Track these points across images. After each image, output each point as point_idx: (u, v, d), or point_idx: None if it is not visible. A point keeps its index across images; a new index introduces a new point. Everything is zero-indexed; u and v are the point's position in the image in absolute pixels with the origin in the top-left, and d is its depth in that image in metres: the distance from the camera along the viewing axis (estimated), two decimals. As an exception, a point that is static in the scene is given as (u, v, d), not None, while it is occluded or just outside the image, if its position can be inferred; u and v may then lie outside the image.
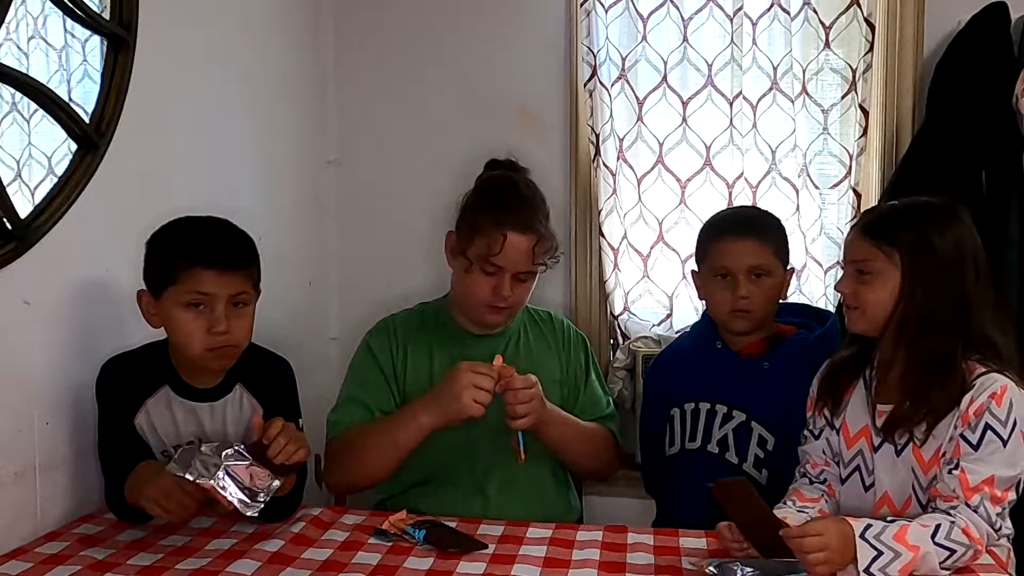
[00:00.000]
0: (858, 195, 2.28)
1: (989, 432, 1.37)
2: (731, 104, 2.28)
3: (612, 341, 2.45)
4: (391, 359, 1.85)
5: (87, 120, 1.59)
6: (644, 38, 2.31)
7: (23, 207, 1.47)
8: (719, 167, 2.32)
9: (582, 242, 2.44)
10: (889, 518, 1.35)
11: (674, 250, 2.36)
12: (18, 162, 1.51)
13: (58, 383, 1.55)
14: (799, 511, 1.51)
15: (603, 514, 2.19)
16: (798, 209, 2.29)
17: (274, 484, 1.38)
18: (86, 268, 1.61)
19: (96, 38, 1.63)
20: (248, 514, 1.36)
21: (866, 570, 1.26)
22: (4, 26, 1.41)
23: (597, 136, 2.34)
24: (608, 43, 2.32)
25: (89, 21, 1.59)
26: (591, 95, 2.35)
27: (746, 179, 2.30)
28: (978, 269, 1.46)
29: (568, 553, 1.46)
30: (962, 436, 1.39)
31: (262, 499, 1.37)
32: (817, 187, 2.31)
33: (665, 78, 2.32)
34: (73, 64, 1.62)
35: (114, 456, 1.52)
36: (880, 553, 1.27)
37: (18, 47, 1.50)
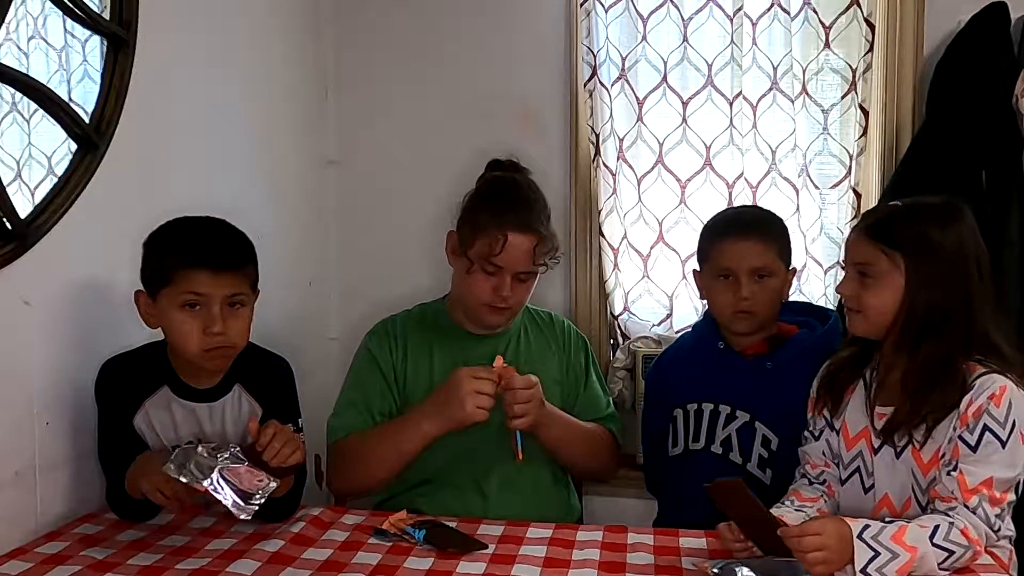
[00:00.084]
0: (858, 195, 2.28)
1: (987, 433, 1.37)
2: (731, 104, 2.28)
3: (612, 341, 2.45)
4: (391, 360, 1.85)
5: (87, 120, 1.59)
6: (644, 38, 2.31)
7: (23, 207, 1.47)
8: (719, 167, 2.31)
9: (582, 242, 2.44)
10: (888, 519, 1.35)
11: (674, 250, 2.36)
12: (18, 162, 1.51)
13: (58, 383, 1.55)
14: (797, 510, 1.51)
15: (603, 514, 2.19)
16: (798, 209, 2.28)
17: (271, 486, 1.38)
18: (86, 268, 1.61)
19: (96, 38, 1.63)
20: (242, 516, 1.35)
21: (863, 570, 1.26)
22: (4, 26, 1.41)
23: (597, 136, 2.34)
24: (608, 43, 2.32)
25: (89, 21, 1.59)
26: (591, 95, 2.35)
27: (746, 179, 2.30)
28: (980, 269, 1.45)
29: (568, 553, 1.46)
30: (960, 437, 1.39)
31: (257, 501, 1.37)
32: (817, 187, 2.31)
33: (665, 78, 2.31)
34: (73, 64, 1.62)
35: (114, 456, 1.52)
36: (877, 553, 1.27)
37: (18, 47, 1.50)
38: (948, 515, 1.34)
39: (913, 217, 1.47)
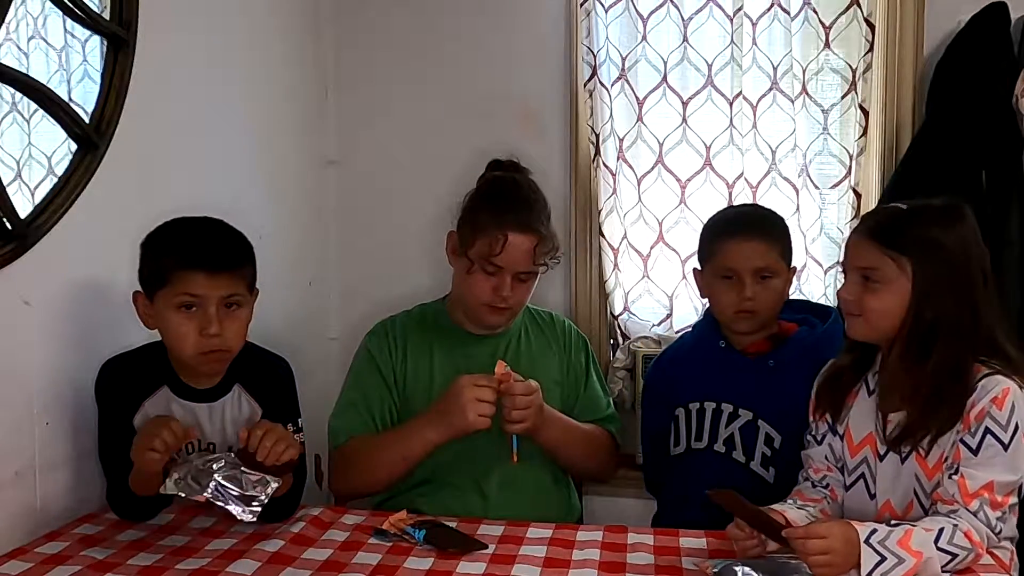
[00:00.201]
0: (858, 195, 2.28)
1: (989, 436, 1.36)
2: (731, 104, 2.28)
3: (612, 341, 2.45)
4: (390, 362, 1.86)
5: (87, 120, 1.59)
6: (644, 38, 2.31)
7: (23, 207, 1.47)
8: (719, 167, 2.31)
9: (582, 242, 2.44)
10: (893, 522, 1.34)
11: (674, 250, 2.36)
12: (18, 162, 1.51)
13: (58, 383, 1.55)
14: (800, 508, 1.51)
15: (603, 514, 2.19)
16: (798, 209, 2.28)
17: (272, 486, 1.38)
18: (86, 268, 1.61)
19: (96, 38, 1.63)
20: (246, 519, 1.35)
21: (868, 575, 1.26)
22: (4, 26, 1.41)
23: (597, 136, 2.34)
24: (608, 43, 2.32)
25: (89, 21, 1.59)
26: (591, 95, 2.35)
27: (746, 179, 2.30)
28: (984, 271, 1.44)
29: (568, 553, 1.46)
30: (962, 440, 1.38)
31: (258, 504, 1.37)
32: (817, 187, 2.30)
33: (665, 78, 2.31)
34: (73, 64, 1.62)
35: (114, 456, 1.52)
36: (884, 559, 1.26)
37: (18, 47, 1.50)
38: (951, 517, 1.34)
39: (918, 220, 1.45)
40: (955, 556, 1.30)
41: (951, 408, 1.39)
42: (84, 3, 1.57)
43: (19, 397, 1.48)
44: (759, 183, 2.30)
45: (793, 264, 1.85)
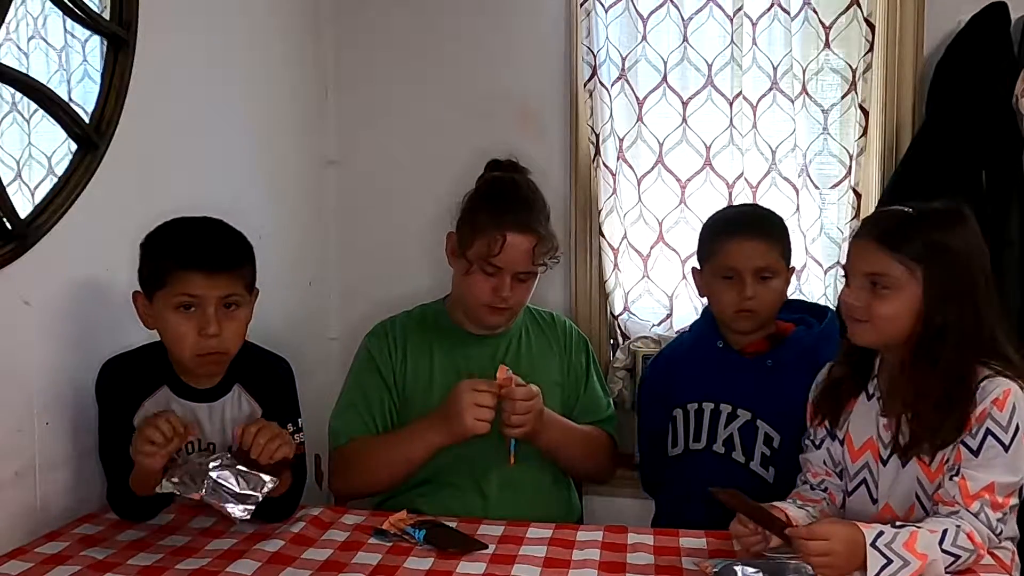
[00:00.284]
0: (858, 195, 2.28)
1: (990, 437, 1.36)
2: (731, 104, 2.28)
3: (612, 341, 2.45)
4: (390, 363, 1.86)
5: (87, 120, 1.59)
6: (644, 38, 2.31)
7: (23, 207, 1.47)
8: (719, 167, 2.31)
9: (582, 242, 2.44)
10: (897, 523, 1.33)
11: (674, 250, 2.36)
12: (18, 162, 1.51)
13: (58, 383, 1.55)
14: (800, 507, 1.51)
15: (603, 514, 2.19)
16: (798, 209, 2.28)
17: (268, 485, 1.38)
18: (86, 268, 1.61)
19: (96, 38, 1.63)
20: (241, 516, 1.35)
21: None
22: (4, 26, 1.41)
23: (597, 136, 2.34)
24: (608, 43, 2.32)
25: (89, 21, 1.59)
26: (591, 95, 2.35)
27: (746, 179, 2.30)
28: (985, 272, 1.43)
29: (568, 553, 1.46)
30: (963, 442, 1.38)
31: (254, 501, 1.37)
32: (817, 187, 2.30)
33: (665, 78, 2.31)
34: (73, 64, 1.62)
35: (114, 456, 1.52)
36: (890, 561, 1.26)
37: (18, 47, 1.50)
38: (953, 519, 1.34)
39: (926, 224, 1.42)
40: (958, 557, 1.30)
41: (961, 414, 1.37)
42: (84, 3, 1.57)
43: (19, 397, 1.48)
44: (759, 183, 2.30)
45: (792, 264, 1.85)
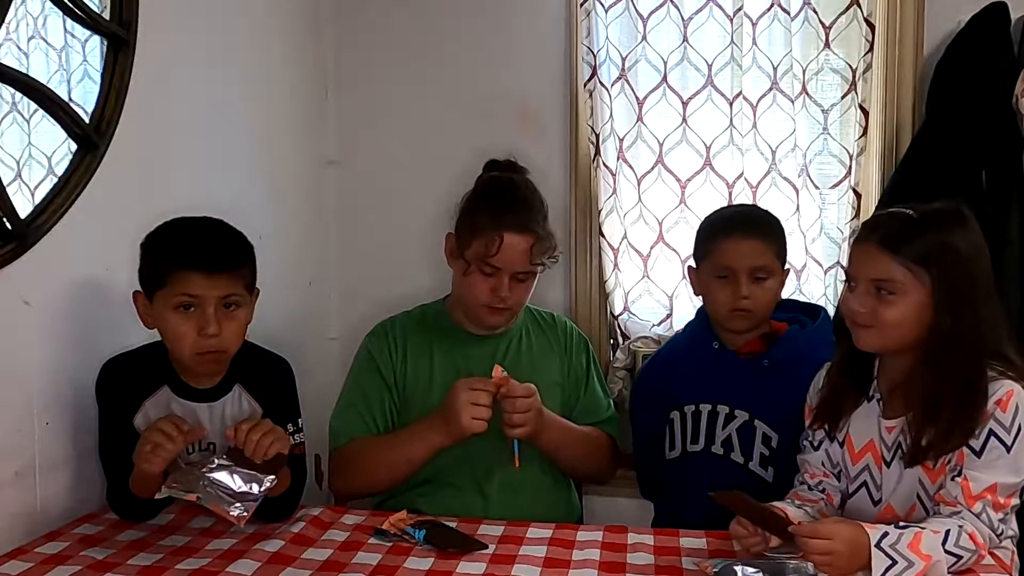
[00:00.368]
0: (858, 195, 2.28)
1: (992, 438, 1.35)
2: (731, 104, 2.28)
3: (612, 341, 2.44)
4: (390, 363, 1.86)
5: (87, 120, 1.59)
6: (644, 38, 2.31)
7: (23, 207, 1.47)
8: (719, 167, 2.31)
9: (582, 242, 2.44)
10: (901, 524, 1.32)
11: (674, 250, 2.36)
12: (18, 162, 1.51)
13: (58, 383, 1.55)
14: (798, 507, 1.51)
15: (603, 514, 2.19)
16: (798, 209, 2.28)
17: (265, 484, 1.38)
18: (86, 268, 1.61)
19: (96, 38, 1.63)
20: (237, 513, 1.35)
21: None
22: (4, 26, 1.41)
23: (597, 136, 2.34)
24: (608, 43, 2.32)
25: (89, 21, 1.59)
26: (591, 95, 2.35)
27: (746, 179, 2.30)
28: (987, 274, 1.42)
29: (568, 553, 1.46)
30: (966, 443, 1.37)
31: (252, 499, 1.36)
32: (817, 187, 2.30)
33: (665, 78, 2.31)
34: (73, 64, 1.62)
35: (115, 456, 1.52)
36: (894, 562, 1.26)
37: (18, 47, 1.50)
38: (955, 519, 1.33)
39: (930, 227, 1.40)
40: (960, 558, 1.30)
41: (974, 418, 1.36)
42: (84, 3, 1.57)
43: (19, 397, 1.48)
44: (759, 183, 2.30)
45: (787, 265, 1.84)
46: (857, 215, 2.27)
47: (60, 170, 1.56)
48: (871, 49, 2.23)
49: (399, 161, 2.52)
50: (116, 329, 1.61)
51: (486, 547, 1.47)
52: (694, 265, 1.87)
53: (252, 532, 1.49)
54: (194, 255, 1.45)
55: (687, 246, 2.29)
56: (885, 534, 1.28)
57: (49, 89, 1.52)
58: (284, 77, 2.31)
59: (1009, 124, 2.06)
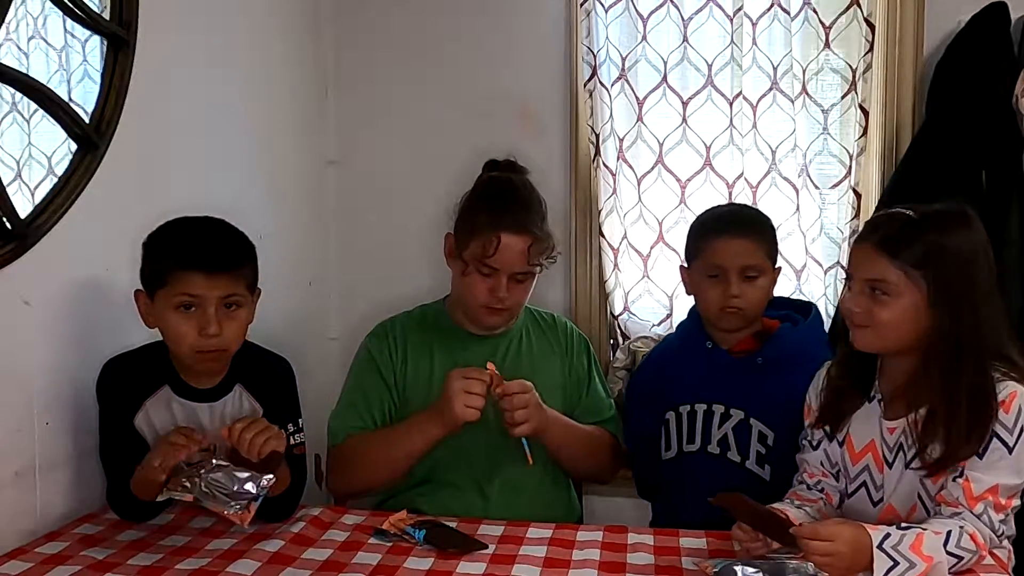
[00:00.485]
0: (858, 195, 2.28)
1: (994, 439, 1.35)
2: (731, 104, 2.28)
3: (612, 341, 2.45)
4: (391, 363, 1.86)
5: (87, 120, 1.59)
6: (644, 38, 2.31)
7: (23, 207, 1.47)
8: (719, 167, 2.31)
9: (582, 242, 2.44)
10: (903, 525, 1.32)
11: (674, 250, 2.35)
12: (18, 162, 1.51)
13: (58, 383, 1.55)
14: (798, 507, 1.51)
15: (603, 514, 2.19)
16: (798, 209, 2.28)
17: (262, 483, 1.38)
18: (86, 268, 1.61)
19: (96, 38, 1.63)
20: (234, 511, 1.35)
21: None
22: (4, 26, 1.41)
23: (597, 136, 2.34)
24: (608, 43, 2.32)
25: (89, 21, 1.59)
26: (591, 95, 2.35)
27: (746, 179, 2.30)
28: (990, 276, 1.41)
29: (568, 553, 1.46)
30: None
31: (248, 498, 1.37)
32: (817, 187, 2.31)
33: (665, 78, 2.31)
34: (73, 64, 1.62)
35: (115, 456, 1.52)
36: (896, 563, 1.25)
37: (18, 47, 1.50)
38: (956, 519, 1.33)
39: (927, 229, 1.40)
40: (961, 559, 1.30)
41: (985, 427, 1.36)
42: (84, 3, 1.57)
43: (19, 397, 1.48)
44: (759, 183, 2.30)
45: (778, 264, 1.84)
46: (857, 215, 2.27)
47: (60, 170, 1.56)
48: (871, 49, 2.24)
49: (399, 161, 2.52)
50: (116, 329, 1.61)
51: (486, 547, 1.47)
52: (685, 264, 1.87)
53: (252, 532, 1.49)
54: (195, 255, 1.45)
55: (687, 246, 2.30)
56: (887, 535, 1.28)
57: (49, 89, 1.52)
58: (284, 77, 2.31)
59: (1009, 124, 2.06)
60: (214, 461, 1.39)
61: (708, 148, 2.32)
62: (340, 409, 1.85)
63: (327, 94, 2.52)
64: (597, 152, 2.35)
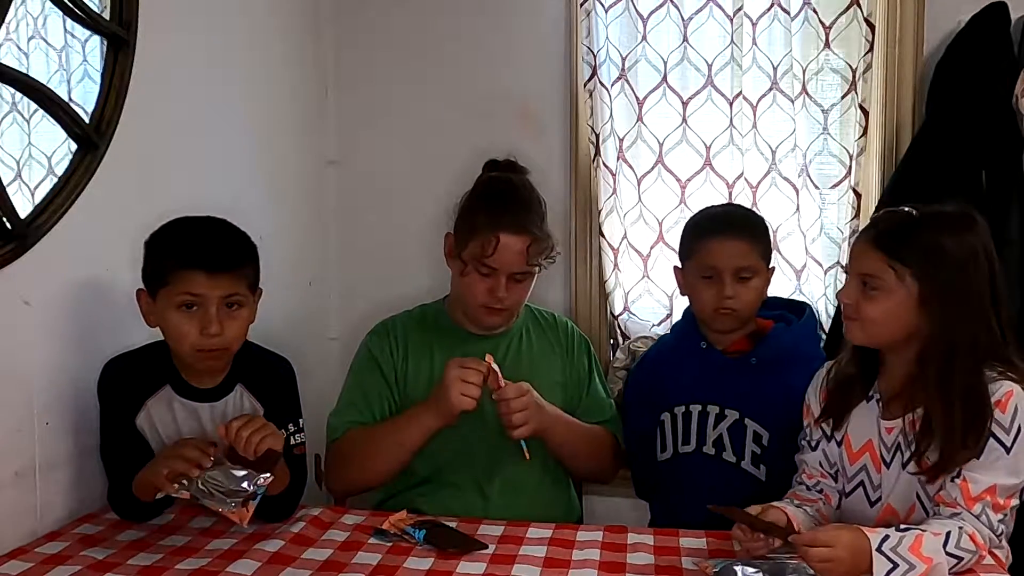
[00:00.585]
0: (858, 195, 2.28)
1: (992, 440, 1.35)
2: (731, 104, 2.28)
3: (612, 341, 2.45)
4: (391, 361, 1.86)
5: (87, 120, 1.59)
6: (644, 38, 2.31)
7: (23, 207, 1.47)
8: (719, 167, 2.31)
9: (582, 242, 2.44)
10: (901, 526, 1.32)
11: (674, 250, 2.33)
12: (18, 162, 1.51)
13: (58, 383, 1.55)
14: (797, 507, 1.51)
15: (603, 514, 2.19)
16: (798, 209, 2.28)
17: (259, 482, 1.38)
18: (86, 268, 1.61)
19: (96, 38, 1.63)
20: (232, 509, 1.35)
21: None
22: (4, 26, 1.41)
23: (597, 136, 2.34)
24: (608, 43, 2.32)
25: (89, 21, 1.59)
26: (591, 95, 2.35)
27: (746, 179, 2.30)
28: (992, 280, 1.40)
29: (568, 553, 1.46)
30: None
31: (245, 496, 1.36)
32: (817, 187, 2.30)
33: (665, 78, 2.31)
34: (73, 64, 1.62)
35: (116, 456, 1.53)
36: (896, 566, 1.26)
37: (18, 47, 1.50)
38: (955, 520, 1.33)
39: (923, 229, 1.40)
40: (961, 559, 1.30)
41: (982, 431, 1.36)
42: (84, 3, 1.57)
43: (19, 397, 1.48)
44: (759, 183, 2.30)
45: (772, 265, 1.84)
46: (857, 215, 2.27)
47: (60, 170, 1.56)
48: (871, 49, 2.23)
49: (399, 161, 2.52)
50: (117, 329, 1.61)
51: (486, 547, 1.47)
52: (679, 265, 1.87)
53: (252, 532, 1.49)
54: (196, 254, 1.45)
55: (687, 246, 2.30)
56: (886, 537, 1.28)
57: (49, 89, 1.52)
58: (284, 77, 2.31)
59: (1009, 124, 2.06)
60: (212, 459, 1.39)
61: (708, 148, 2.31)
62: (340, 407, 1.85)
63: (327, 94, 2.52)
64: (597, 152, 2.35)
